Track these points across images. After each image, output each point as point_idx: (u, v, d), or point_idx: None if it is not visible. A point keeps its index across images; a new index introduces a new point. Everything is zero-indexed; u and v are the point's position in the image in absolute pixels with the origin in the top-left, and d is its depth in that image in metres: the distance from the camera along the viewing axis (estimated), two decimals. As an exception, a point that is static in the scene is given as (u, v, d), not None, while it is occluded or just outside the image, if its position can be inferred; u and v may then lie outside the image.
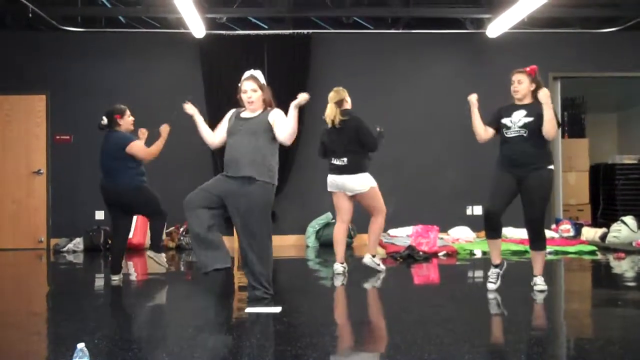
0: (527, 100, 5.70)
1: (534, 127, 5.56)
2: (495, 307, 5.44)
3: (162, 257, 6.84)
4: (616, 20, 10.17)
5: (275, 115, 5.47)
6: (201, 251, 5.34)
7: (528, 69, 5.71)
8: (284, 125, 5.39)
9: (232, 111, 5.72)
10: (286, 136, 5.40)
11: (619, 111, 13.64)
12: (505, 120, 5.67)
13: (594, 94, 12.43)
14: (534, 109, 5.61)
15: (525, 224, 5.71)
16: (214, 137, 5.72)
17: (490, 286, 5.79)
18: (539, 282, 5.72)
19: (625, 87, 12.45)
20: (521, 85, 5.67)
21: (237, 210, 5.35)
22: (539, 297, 5.56)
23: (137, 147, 6.48)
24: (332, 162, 6.83)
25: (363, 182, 6.76)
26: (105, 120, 6.56)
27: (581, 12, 9.95)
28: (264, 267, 5.40)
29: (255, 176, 5.32)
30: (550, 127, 5.52)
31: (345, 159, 6.73)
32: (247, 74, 5.61)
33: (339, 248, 6.96)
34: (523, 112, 5.63)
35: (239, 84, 5.60)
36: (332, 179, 6.86)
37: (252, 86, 5.50)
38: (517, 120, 5.61)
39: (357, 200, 6.88)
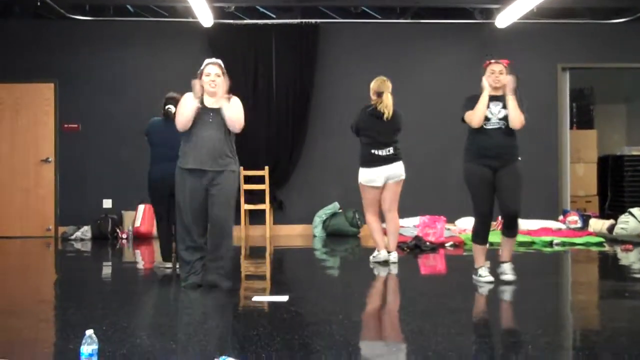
0: (500, 92, 5.62)
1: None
2: (502, 298, 5.44)
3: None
4: (626, 11, 10.11)
5: (233, 103, 5.50)
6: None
7: (504, 61, 5.66)
8: (235, 116, 5.47)
9: (188, 96, 5.52)
10: (235, 126, 5.50)
11: (628, 102, 13.55)
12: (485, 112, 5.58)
13: (603, 85, 12.34)
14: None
15: (503, 213, 5.67)
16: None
17: (490, 278, 5.73)
18: (508, 271, 5.68)
19: (635, 78, 12.37)
20: (502, 76, 5.60)
21: (213, 201, 5.43)
22: (531, 288, 5.53)
23: None
24: (376, 153, 6.75)
25: (403, 169, 6.89)
26: (174, 109, 6.39)
27: (590, 2, 9.91)
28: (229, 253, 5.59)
29: (229, 169, 5.46)
30: (518, 117, 5.49)
31: (391, 149, 6.78)
32: (208, 60, 5.57)
33: (380, 237, 6.94)
34: (499, 104, 5.57)
35: (199, 70, 5.51)
36: (378, 171, 6.77)
37: (216, 70, 5.47)
38: (496, 112, 5.55)
39: (384, 190, 6.86)
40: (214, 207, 5.42)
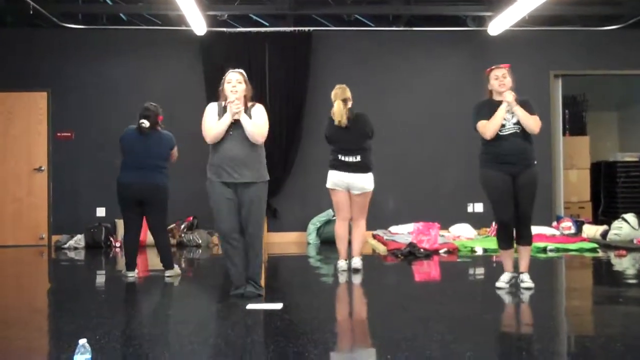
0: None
1: None
2: (496, 304, 5.43)
3: (177, 268, 6.87)
4: (617, 18, 10.17)
5: (254, 112, 5.48)
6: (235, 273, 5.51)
7: (504, 65, 5.68)
8: (253, 128, 5.37)
9: (213, 106, 5.54)
10: (254, 138, 5.39)
11: (620, 109, 13.64)
12: None
13: (595, 91, 12.43)
14: (520, 104, 5.57)
15: (516, 219, 5.63)
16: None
17: (502, 285, 5.72)
18: (526, 279, 5.69)
19: (627, 85, 12.46)
20: (506, 79, 5.61)
21: (248, 219, 5.40)
22: (526, 295, 5.54)
23: (176, 150, 6.77)
24: (342, 159, 6.73)
25: (371, 181, 6.82)
26: (147, 123, 6.51)
27: (582, 9, 9.96)
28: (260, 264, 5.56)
29: (255, 180, 5.40)
30: (532, 123, 5.51)
31: (358, 157, 6.73)
32: (231, 70, 5.56)
33: (342, 245, 6.95)
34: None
35: (222, 80, 5.50)
36: (340, 177, 6.76)
37: (238, 77, 5.46)
38: (510, 117, 5.53)
39: (350, 200, 6.85)
40: (249, 225, 5.39)
